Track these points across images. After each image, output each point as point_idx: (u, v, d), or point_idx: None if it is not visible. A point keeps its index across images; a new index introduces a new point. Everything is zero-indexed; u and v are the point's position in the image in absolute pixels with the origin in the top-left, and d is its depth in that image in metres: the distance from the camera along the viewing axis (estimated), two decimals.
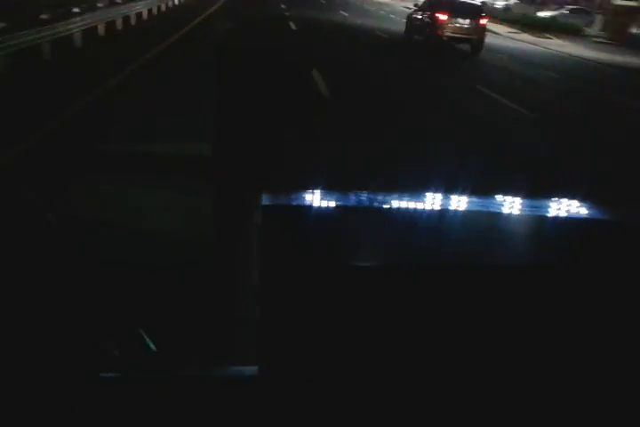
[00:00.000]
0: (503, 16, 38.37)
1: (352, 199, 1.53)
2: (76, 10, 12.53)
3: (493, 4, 44.08)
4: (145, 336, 1.18)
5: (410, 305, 1.14)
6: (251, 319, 1.14)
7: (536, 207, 1.64)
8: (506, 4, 46.36)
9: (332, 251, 1.23)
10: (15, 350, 1.19)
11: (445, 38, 19.34)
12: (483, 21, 19.56)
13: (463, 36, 19.40)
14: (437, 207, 1.56)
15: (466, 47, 19.89)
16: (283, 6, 28.74)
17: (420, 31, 20.29)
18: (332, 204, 1.49)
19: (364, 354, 1.18)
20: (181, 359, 1.25)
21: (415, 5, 22.28)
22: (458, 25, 19.29)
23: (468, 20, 19.28)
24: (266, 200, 1.43)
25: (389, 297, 1.14)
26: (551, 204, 1.63)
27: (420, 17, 20.63)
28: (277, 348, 1.17)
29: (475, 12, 19.80)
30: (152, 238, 3.78)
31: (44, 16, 10.27)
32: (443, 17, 19.25)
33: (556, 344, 1.22)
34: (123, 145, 6.07)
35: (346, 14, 29.22)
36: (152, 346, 1.16)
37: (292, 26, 21.33)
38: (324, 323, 1.13)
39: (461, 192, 1.59)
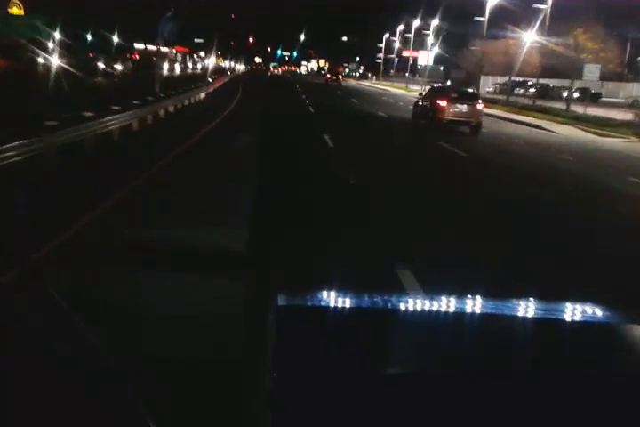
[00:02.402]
0: None
1: (366, 301, 1.53)
2: (115, 107, 14.99)
3: None
4: None
5: (431, 414, 1.07)
6: None
7: (552, 311, 1.66)
8: None
9: (348, 356, 1.18)
10: None
11: (446, 121, 21.47)
12: (479, 106, 21.72)
13: (462, 119, 21.52)
14: (450, 310, 1.57)
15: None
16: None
17: (424, 116, 22.54)
18: (346, 305, 1.50)
19: None
20: None
21: (420, 94, 24.75)
22: (457, 110, 21.47)
23: (465, 105, 21.46)
24: (281, 300, 1.39)
25: (406, 404, 1.08)
26: (566, 307, 1.63)
27: (423, 104, 22.98)
28: None
29: (472, 98, 22.07)
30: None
31: (87, 113, 12.67)
32: (443, 103, 21.50)
33: None
34: None
35: (385, 115, 28.32)
36: None
37: (329, 142, 16.17)
38: None
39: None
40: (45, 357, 1.02)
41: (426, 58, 71.89)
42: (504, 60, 46.55)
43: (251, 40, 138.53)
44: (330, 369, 1.15)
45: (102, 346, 1.09)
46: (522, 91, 40.94)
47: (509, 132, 24.36)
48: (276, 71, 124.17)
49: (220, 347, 1.40)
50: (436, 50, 68.49)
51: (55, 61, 36.92)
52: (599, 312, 1.64)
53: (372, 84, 75.41)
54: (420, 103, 23.52)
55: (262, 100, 31.24)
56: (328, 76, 75.92)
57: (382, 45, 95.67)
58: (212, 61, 77.01)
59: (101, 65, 45.98)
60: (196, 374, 1.31)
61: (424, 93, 24.40)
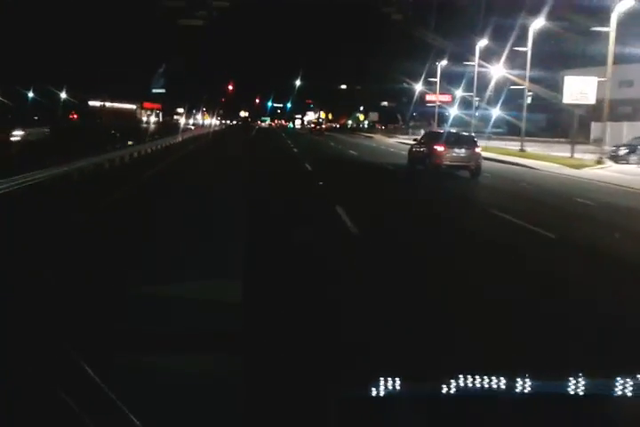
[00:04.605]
0: None
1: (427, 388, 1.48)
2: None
3: None
4: None
5: None
6: None
7: (576, 388, 1.57)
8: None
9: None
10: None
11: (444, 166, 20.42)
12: (477, 149, 20.71)
13: (461, 163, 20.47)
14: (503, 392, 1.52)
15: None
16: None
17: (421, 161, 21.53)
18: (407, 395, 1.43)
19: None
20: None
21: (414, 140, 23.84)
22: (454, 154, 20.45)
23: (463, 150, 20.45)
24: (345, 392, 1.35)
25: None
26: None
27: (420, 149, 22.01)
28: None
29: (469, 142, 21.08)
30: None
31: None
32: (440, 148, 20.50)
33: None
34: None
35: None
36: None
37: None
38: None
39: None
40: None
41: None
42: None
43: (230, 88, 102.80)
44: None
45: None
46: None
47: None
48: (263, 124, 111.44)
49: None
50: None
51: None
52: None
53: None
54: (416, 149, 22.63)
55: None
56: (312, 126, 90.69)
57: (436, 80, 59.10)
58: (152, 118, 69.45)
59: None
60: None
61: (418, 139, 23.55)
